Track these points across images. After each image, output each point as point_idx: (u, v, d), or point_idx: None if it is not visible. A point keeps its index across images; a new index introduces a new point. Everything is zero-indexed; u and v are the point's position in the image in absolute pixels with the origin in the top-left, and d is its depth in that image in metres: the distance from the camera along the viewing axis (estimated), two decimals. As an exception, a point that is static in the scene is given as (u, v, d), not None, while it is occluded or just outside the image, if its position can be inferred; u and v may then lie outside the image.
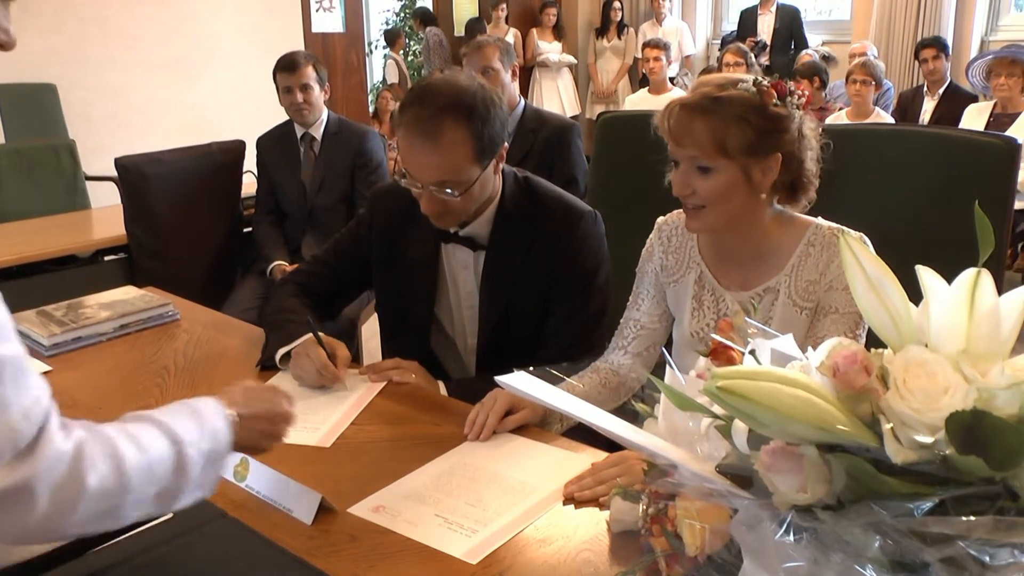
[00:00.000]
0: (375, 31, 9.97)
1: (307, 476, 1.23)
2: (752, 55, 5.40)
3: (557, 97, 7.73)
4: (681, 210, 1.49)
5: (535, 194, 1.71)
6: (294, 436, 1.25)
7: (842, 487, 0.65)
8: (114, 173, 3.14)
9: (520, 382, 0.84)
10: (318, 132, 3.21)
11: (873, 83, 4.63)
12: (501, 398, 1.42)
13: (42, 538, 0.88)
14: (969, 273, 0.68)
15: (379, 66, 9.73)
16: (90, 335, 1.86)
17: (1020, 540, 0.60)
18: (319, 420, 1.48)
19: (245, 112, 5.13)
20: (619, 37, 7.71)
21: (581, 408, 0.81)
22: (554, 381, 1.07)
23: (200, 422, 0.98)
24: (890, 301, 0.71)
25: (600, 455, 1.31)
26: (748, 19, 7.03)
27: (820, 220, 1.44)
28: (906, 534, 0.61)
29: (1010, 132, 3.82)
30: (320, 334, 1.63)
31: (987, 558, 0.60)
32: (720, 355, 0.88)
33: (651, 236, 1.58)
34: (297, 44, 5.71)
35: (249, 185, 3.44)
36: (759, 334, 0.80)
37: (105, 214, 3.56)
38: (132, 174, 3.11)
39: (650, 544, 0.91)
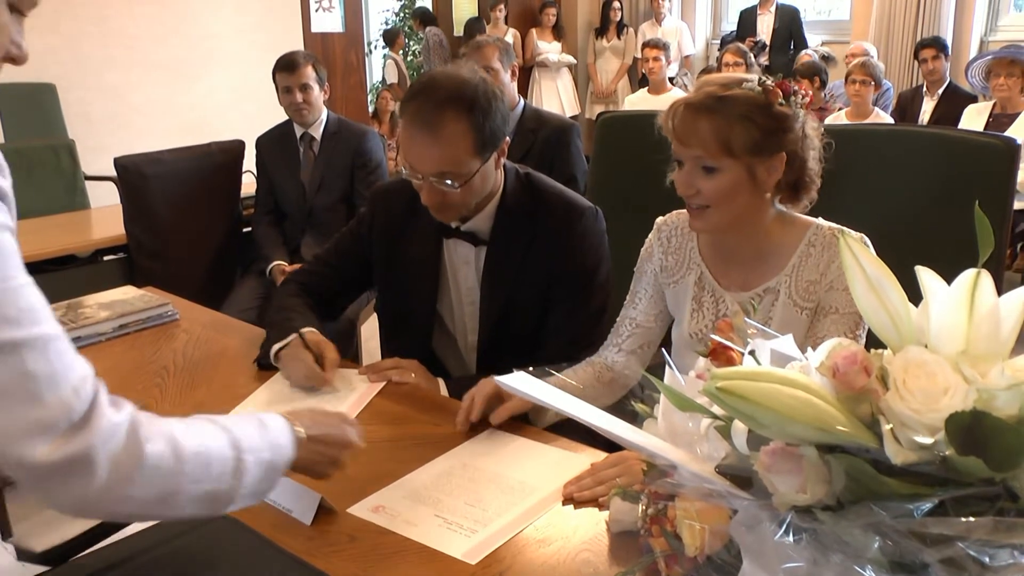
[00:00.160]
0: (374, 31, 9.98)
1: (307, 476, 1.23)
2: (751, 55, 5.41)
3: (556, 97, 7.73)
4: (681, 210, 1.49)
5: (536, 190, 1.72)
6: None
7: (842, 488, 0.65)
8: (113, 173, 3.13)
9: (519, 382, 0.84)
10: (317, 132, 3.21)
11: (872, 83, 4.63)
12: (489, 384, 1.41)
13: (102, 510, 0.87)
14: (969, 274, 0.68)
15: (378, 66, 9.74)
16: (89, 335, 1.86)
17: (1020, 541, 0.60)
18: (319, 420, 1.48)
19: (244, 112, 5.13)
20: (618, 37, 7.71)
21: (581, 408, 0.81)
22: (549, 375, 1.07)
23: (264, 432, 0.98)
24: (890, 302, 0.71)
25: (600, 455, 1.30)
26: (747, 19, 7.03)
27: (821, 220, 1.44)
28: (906, 535, 0.61)
29: (1009, 132, 3.82)
30: (307, 336, 1.62)
31: (987, 559, 0.60)
32: (719, 356, 0.88)
33: (650, 236, 1.58)
34: (297, 44, 5.72)
35: (248, 185, 3.44)
36: (759, 334, 0.80)
37: (104, 214, 3.57)
38: (131, 174, 3.11)
39: (649, 544, 0.91)
